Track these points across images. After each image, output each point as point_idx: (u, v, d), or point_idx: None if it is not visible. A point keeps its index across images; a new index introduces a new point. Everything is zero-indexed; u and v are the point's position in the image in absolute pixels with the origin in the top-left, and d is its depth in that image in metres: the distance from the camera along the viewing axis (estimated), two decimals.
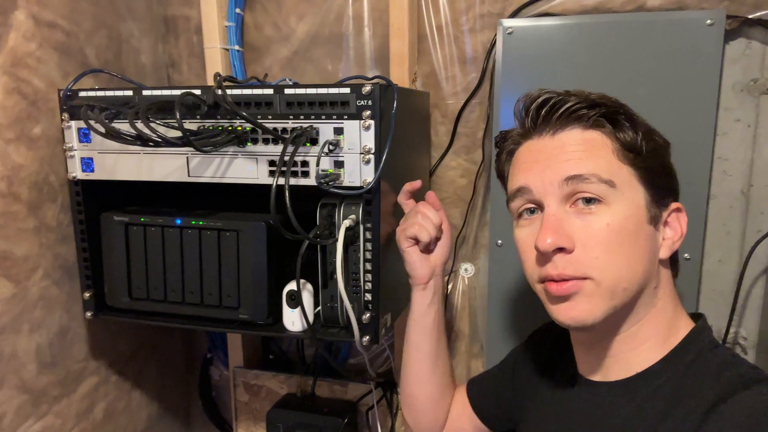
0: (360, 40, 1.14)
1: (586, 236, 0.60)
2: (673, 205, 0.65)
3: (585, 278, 0.60)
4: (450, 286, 1.19)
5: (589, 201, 0.61)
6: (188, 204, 0.92)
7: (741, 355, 1.03)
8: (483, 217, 1.14)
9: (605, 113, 0.63)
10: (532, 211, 0.65)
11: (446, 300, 1.19)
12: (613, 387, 0.66)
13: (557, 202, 0.61)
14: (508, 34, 1.00)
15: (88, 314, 0.93)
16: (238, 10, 1.14)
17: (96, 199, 0.91)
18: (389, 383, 1.17)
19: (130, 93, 0.83)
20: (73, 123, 0.87)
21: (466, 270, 1.18)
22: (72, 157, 0.88)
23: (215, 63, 1.12)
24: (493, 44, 1.06)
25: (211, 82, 1.13)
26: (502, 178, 0.73)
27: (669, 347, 0.64)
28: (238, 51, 1.15)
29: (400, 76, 1.04)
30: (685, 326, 0.66)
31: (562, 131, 0.63)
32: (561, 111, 0.63)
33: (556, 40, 0.97)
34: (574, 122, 0.63)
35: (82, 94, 0.85)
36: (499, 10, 1.05)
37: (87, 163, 0.87)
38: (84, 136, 0.87)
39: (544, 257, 0.61)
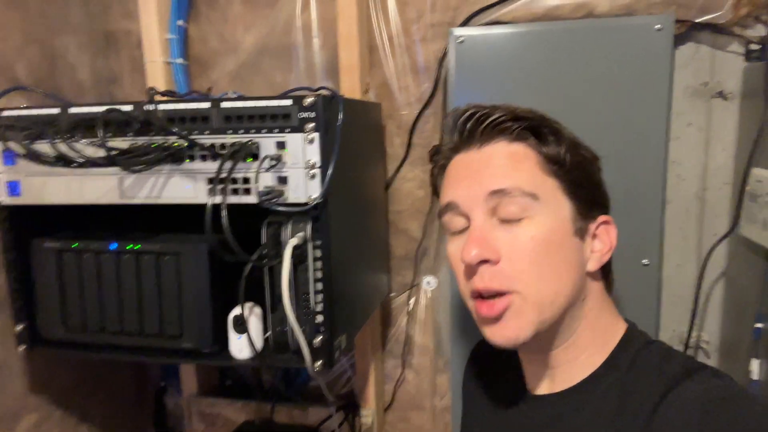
0: (309, 51, 1.11)
1: (511, 249, 0.60)
2: (601, 218, 0.66)
3: (511, 292, 0.60)
4: (412, 300, 1.16)
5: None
6: (125, 227, 0.87)
7: (704, 358, 1.05)
8: (442, 229, 1.12)
9: (529, 126, 0.63)
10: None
11: (409, 315, 1.16)
12: (560, 397, 0.66)
13: (483, 215, 0.62)
14: (459, 43, 0.98)
15: (22, 348, 0.87)
16: (180, 22, 1.09)
17: (25, 225, 0.85)
18: (351, 405, 1.13)
19: (56, 111, 0.78)
20: None
21: (428, 283, 1.15)
22: None
23: (157, 78, 1.08)
24: (444, 53, 1.04)
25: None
26: (436, 191, 0.72)
27: (608, 351, 0.65)
28: (181, 65, 1.10)
29: (351, 87, 1.02)
30: (620, 329, 0.67)
31: (488, 144, 0.64)
32: (486, 123, 0.63)
33: (508, 48, 0.96)
34: (499, 135, 0.63)
35: (5, 113, 0.80)
36: (449, 19, 1.04)
37: (13, 187, 0.81)
38: (8, 159, 0.81)
39: (471, 270, 0.62)
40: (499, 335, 0.62)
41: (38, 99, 0.97)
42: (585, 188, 0.64)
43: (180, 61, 1.10)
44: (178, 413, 1.32)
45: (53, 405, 1.04)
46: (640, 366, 0.62)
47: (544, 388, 0.69)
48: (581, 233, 0.63)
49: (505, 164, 0.62)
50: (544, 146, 0.63)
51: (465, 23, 1.02)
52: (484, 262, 0.60)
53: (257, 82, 1.14)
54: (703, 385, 0.56)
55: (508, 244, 0.60)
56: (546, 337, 0.64)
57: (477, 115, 0.64)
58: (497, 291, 0.60)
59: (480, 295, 0.62)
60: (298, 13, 1.09)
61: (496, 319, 0.61)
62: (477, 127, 0.64)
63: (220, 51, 1.14)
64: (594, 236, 0.65)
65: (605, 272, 0.68)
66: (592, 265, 0.64)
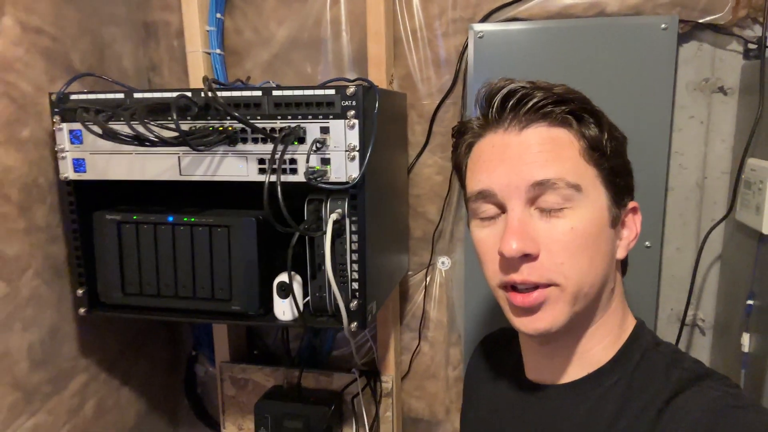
0: (338, 44, 1.18)
1: (550, 240, 0.57)
2: (631, 205, 0.64)
3: (549, 285, 0.58)
4: (428, 279, 1.24)
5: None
6: (179, 202, 0.95)
7: (699, 335, 1.13)
8: (458, 212, 1.19)
9: (572, 110, 0.59)
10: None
11: (425, 292, 1.24)
12: (562, 390, 0.65)
13: (522, 205, 0.58)
14: (479, 37, 1.05)
15: (82, 310, 0.95)
16: (218, 15, 1.17)
17: (87, 199, 0.94)
18: (373, 372, 1.21)
19: (121, 96, 0.86)
20: (64, 125, 0.89)
21: (443, 263, 1.23)
22: (64, 158, 0.90)
23: (197, 67, 1.15)
24: (465, 47, 1.11)
25: (192, 85, 1.17)
26: (459, 170, 0.68)
27: (617, 347, 0.64)
28: (219, 55, 1.18)
29: (377, 78, 1.09)
30: (630, 325, 0.66)
31: (528, 128, 0.59)
32: (528, 106, 0.59)
33: (524, 43, 1.03)
34: (541, 119, 0.59)
35: (73, 97, 0.88)
36: (470, 15, 1.11)
37: (78, 164, 0.90)
38: (75, 138, 0.89)
39: (507, 263, 0.58)
40: (532, 326, 0.59)
41: (89, 85, 1.06)
42: (620, 175, 0.62)
43: (218, 51, 1.18)
44: (207, 380, 1.41)
45: (100, 368, 1.13)
46: (647, 367, 0.61)
47: (546, 380, 0.67)
48: (615, 222, 0.61)
49: (548, 151, 0.58)
50: (586, 132, 0.59)
51: (484, 19, 1.09)
52: (524, 256, 0.57)
53: (288, 72, 1.21)
54: (712, 391, 0.55)
55: (547, 235, 0.57)
56: (573, 326, 0.61)
57: (518, 95, 0.59)
58: (535, 284, 0.58)
59: (514, 287, 0.59)
60: (328, 8, 1.16)
61: (531, 310, 0.59)
62: (517, 108, 0.59)
63: (255, 43, 1.21)
64: (623, 224, 0.63)
65: (623, 261, 0.67)
66: (621, 253, 0.63)
